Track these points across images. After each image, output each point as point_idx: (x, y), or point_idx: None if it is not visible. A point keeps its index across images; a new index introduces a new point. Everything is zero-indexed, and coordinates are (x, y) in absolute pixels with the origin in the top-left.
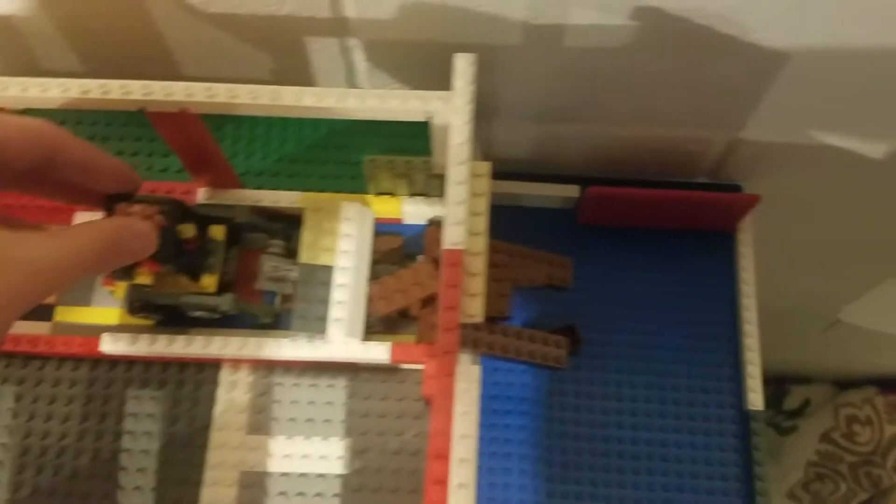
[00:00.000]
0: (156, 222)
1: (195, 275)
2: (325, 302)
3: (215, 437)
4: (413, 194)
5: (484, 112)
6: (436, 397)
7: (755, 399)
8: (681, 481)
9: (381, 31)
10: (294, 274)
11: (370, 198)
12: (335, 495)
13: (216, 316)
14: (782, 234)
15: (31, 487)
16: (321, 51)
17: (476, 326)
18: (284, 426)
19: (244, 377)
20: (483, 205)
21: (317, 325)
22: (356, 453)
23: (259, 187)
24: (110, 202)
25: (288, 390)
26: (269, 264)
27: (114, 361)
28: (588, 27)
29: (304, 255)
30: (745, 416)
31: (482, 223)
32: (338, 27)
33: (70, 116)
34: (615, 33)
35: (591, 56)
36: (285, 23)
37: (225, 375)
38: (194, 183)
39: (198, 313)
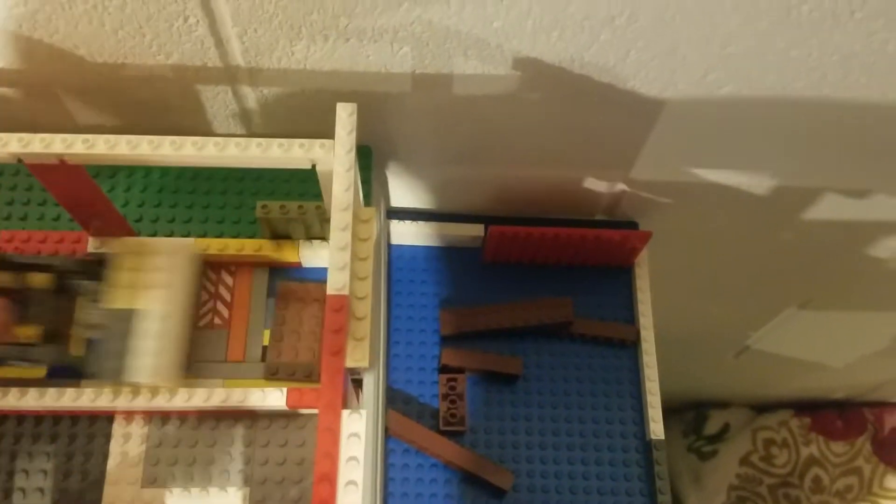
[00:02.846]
0: None
1: (18, 321)
2: (126, 346)
3: (109, 491)
4: (310, 238)
5: (383, 157)
6: (318, 441)
7: (657, 429)
8: None
9: (272, 81)
10: (101, 319)
11: (266, 243)
12: None
13: (42, 369)
14: (681, 265)
15: None
16: (215, 98)
17: None
18: (181, 478)
19: (137, 429)
20: (369, 249)
21: (116, 370)
22: (255, 503)
23: (154, 234)
24: None
25: (184, 440)
26: (84, 311)
27: (3, 416)
28: (473, 76)
29: (112, 300)
30: (647, 446)
31: (367, 267)
32: (229, 76)
33: None
34: (499, 82)
35: (481, 103)
36: (176, 71)
37: (118, 428)
38: (83, 232)
39: (22, 364)
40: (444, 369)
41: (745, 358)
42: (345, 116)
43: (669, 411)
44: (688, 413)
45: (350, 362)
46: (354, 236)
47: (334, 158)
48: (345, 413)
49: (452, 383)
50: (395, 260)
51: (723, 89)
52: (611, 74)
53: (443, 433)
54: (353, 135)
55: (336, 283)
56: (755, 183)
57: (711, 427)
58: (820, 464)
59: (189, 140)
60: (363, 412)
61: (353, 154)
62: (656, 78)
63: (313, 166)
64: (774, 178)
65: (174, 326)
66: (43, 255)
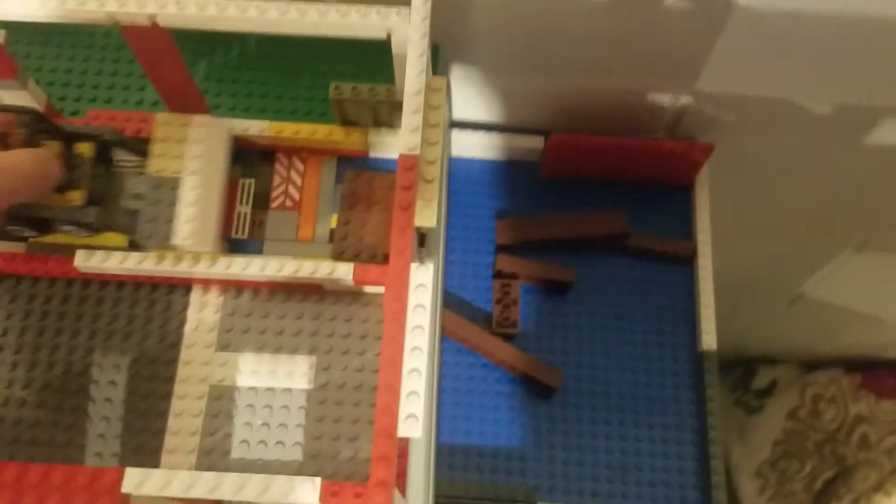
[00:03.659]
0: (15, 138)
1: (62, 189)
2: (171, 212)
3: (185, 353)
4: (378, 125)
5: (448, 60)
6: (386, 295)
7: (709, 340)
8: (637, 417)
9: None
10: (143, 188)
11: (336, 128)
12: (300, 408)
13: (83, 233)
14: (738, 197)
15: (3, 399)
16: None
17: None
18: (252, 344)
19: (213, 298)
20: (439, 117)
21: (162, 233)
22: (321, 370)
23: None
24: None
25: (256, 311)
26: (130, 181)
27: (87, 281)
28: None
29: (151, 167)
30: (699, 358)
31: (437, 133)
32: None
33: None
34: None
35: (548, 1)
36: None
37: (195, 296)
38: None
39: (66, 227)
40: (498, 275)
41: (800, 307)
42: None
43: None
44: (736, 368)
45: (419, 221)
46: (426, 103)
47: (410, 26)
48: (413, 265)
49: (507, 288)
50: (454, 172)
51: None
52: None
53: (495, 335)
54: (429, 3)
55: (409, 144)
56: (820, 100)
57: (759, 382)
58: (868, 421)
59: (273, 4)
60: (430, 265)
61: (427, 22)
62: None
63: (388, 37)
64: (839, 95)
65: (211, 194)
66: (90, 126)
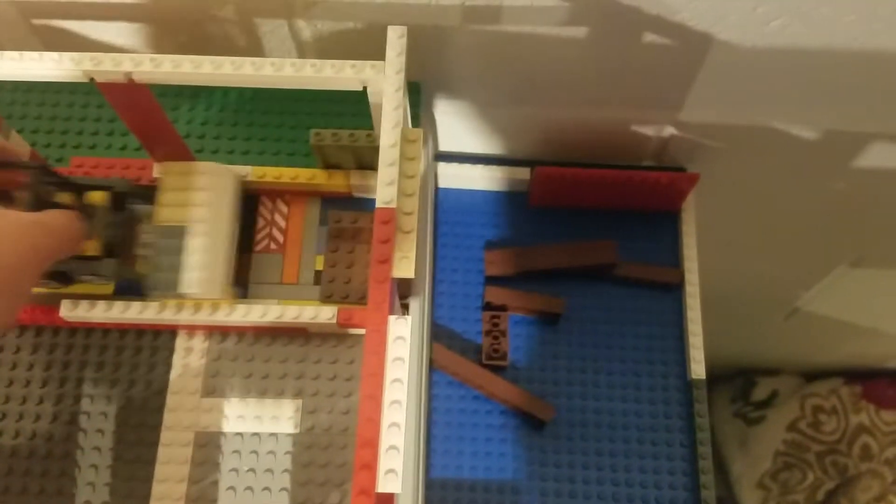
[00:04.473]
0: (27, 192)
1: None
2: (177, 261)
3: (171, 399)
4: (361, 167)
5: (432, 95)
6: (366, 349)
7: (697, 369)
8: (627, 447)
9: (326, 13)
10: (152, 236)
11: (319, 172)
12: (287, 453)
13: (102, 281)
14: (729, 218)
15: None
16: (272, 32)
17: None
18: (238, 389)
19: (199, 343)
20: (416, 168)
21: (170, 283)
22: (307, 413)
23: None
24: None
25: (241, 355)
26: (141, 230)
27: (73, 329)
28: (522, 8)
29: (160, 217)
30: (688, 386)
31: (414, 185)
32: (286, 8)
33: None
34: (548, 14)
35: (529, 37)
36: (235, 4)
37: (180, 341)
38: (149, 159)
39: (86, 277)
40: (487, 307)
41: (796, 320)
42: (395, 38)
43: (716, 378)
44: (736, 379)
45: (396, 272)
46: (402, 155)
47: (384, 79)
48: (391, 318)
49: (496, 320)
50: (442, 202)
51: (773, 23)
52: (661, 5)
53: (485, 367)
54: (403, 57)
55: (384, 197)
56: (806, 127)
57: (759, 393)
58: (869, 432)
59: (248, 60)
60: (408, 318)
61: (402, 75)
62: (706, 10)
63: (364, 89)
64: (826, 122)
65: (219, 242)
66: (100, 178)
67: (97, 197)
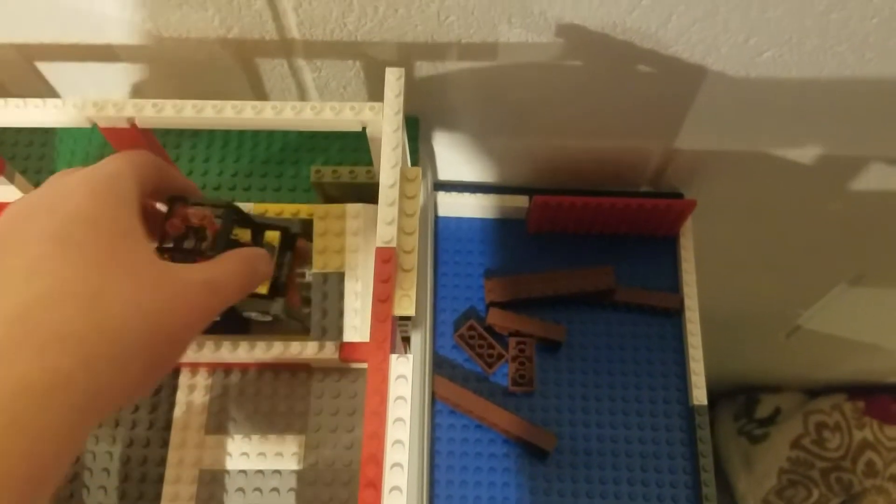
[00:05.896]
0: (211, 226)
1: None
2: (339, 305)
3: (175, 436)
4: (361, 202)
5: (430, 128)
6: (368, 388)
7: (699, 395)
8: (631, 474)
9: (325, 53)
10: (308, 280)
11: (319, 208)
12: (290, 490)
13: (267, 318)
14: (728, 240)
15: None
16: (272, 71)
17: None
18: (241, 425)
19: (202, 379)
20: (415, 206)
21: (331, 328)
22: (310, 448)
23: None
24: (171, 202)
25: (245, 391)
26: (301, 272)
27: None
28: (517, 45)
29: (316, 263)
30: (690, 412)
31: (414, 223)
32: (285, 49)
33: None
34: (543, 50)
35: (525, 72)
36: (235, 45)
37: (184, 378)
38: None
39: (252, 314)
40: (489, 330)
41: (797, 338)
42: (393, 80)
43: (720, 395)
44: (739, 397)
45: (398, 310)
46: (401, 193)
47: (383, 119)
48: (393, 357)
49: (522, 346)
50: (442, 231)
51: (765, 54)
52: (653, 40)
53: (511, 393)
54: (401, 97)
55: (384, 237)
56: (802, 152)
57: (763, 410)
58: (874, 448)
59: (249, 104)
60: (410, 356)
61: (400, 116)
62: (698, 42)
63: (363, 129)
64: (821, 147)
65: (370, 283)
66: (276, 218)
67: (271, 237)
